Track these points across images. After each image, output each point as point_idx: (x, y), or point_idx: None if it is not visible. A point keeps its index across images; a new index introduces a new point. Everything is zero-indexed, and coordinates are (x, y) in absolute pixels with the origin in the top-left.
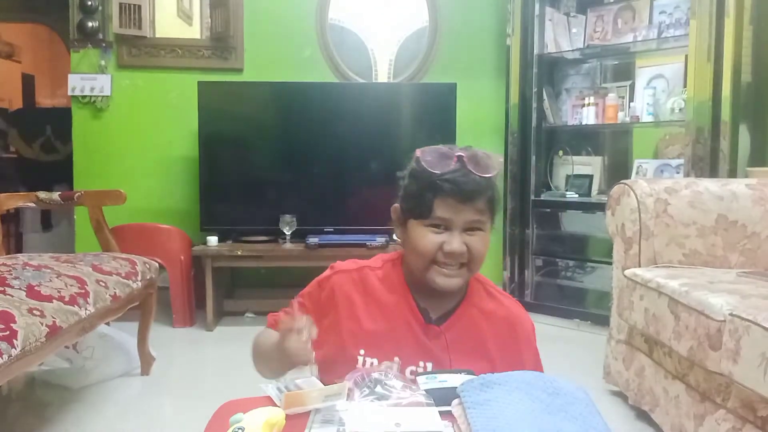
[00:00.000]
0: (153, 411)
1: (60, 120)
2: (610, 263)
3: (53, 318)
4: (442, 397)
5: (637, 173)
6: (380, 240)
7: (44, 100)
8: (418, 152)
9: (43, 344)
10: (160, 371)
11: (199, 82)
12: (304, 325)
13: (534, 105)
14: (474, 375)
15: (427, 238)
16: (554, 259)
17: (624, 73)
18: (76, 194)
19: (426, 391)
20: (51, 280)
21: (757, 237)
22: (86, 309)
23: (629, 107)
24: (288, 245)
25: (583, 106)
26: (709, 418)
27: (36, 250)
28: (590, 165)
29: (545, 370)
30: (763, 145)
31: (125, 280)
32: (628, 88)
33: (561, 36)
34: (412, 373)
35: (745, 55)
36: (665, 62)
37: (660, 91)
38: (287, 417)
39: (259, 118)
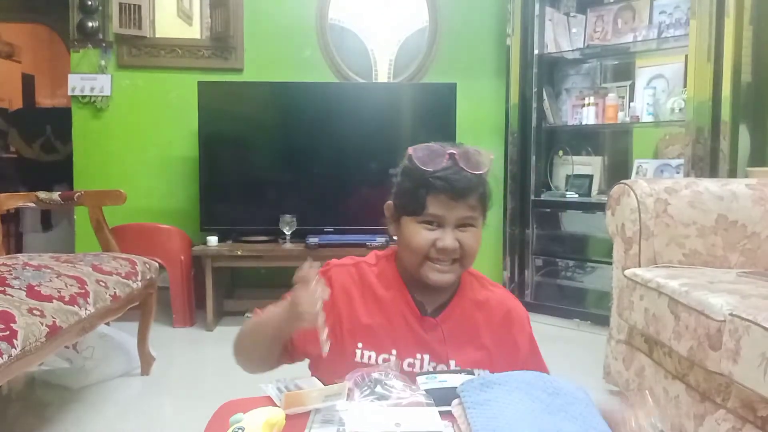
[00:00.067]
0: (153, 411)
1: (60, 120)
2: (610, 263)
3: (53, 318)
4: (442, 397)
5: (637, 173)
6: (380, 240)
7: (44, 100)
8: (410, 150)
9: (43, 344)
10: (160, 371)
11: (199, 82)
12: (316, 277)
13: (534, 105)
14: (474, 375)
15: (420, 234)
16: (554, 259)
17: (624, 73)
18: (76, 194)
19: (426, 391)
20: (51, 280)
21: (757, 237)
22: (86, 309)
23: (629, 107)
24: (288, 245)
25: (583, 106)
26: (709, 418)
27: (36, 250)
28: (590, 165)
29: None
30: (763, 145)
31: (125, 280)
32: (628, 88)
33: (561, 36)
34: (409, 365)
35: (745, 55)
36: (665, 62)
37: (660, 91)
38: (287, 417)
39: (259, 118)
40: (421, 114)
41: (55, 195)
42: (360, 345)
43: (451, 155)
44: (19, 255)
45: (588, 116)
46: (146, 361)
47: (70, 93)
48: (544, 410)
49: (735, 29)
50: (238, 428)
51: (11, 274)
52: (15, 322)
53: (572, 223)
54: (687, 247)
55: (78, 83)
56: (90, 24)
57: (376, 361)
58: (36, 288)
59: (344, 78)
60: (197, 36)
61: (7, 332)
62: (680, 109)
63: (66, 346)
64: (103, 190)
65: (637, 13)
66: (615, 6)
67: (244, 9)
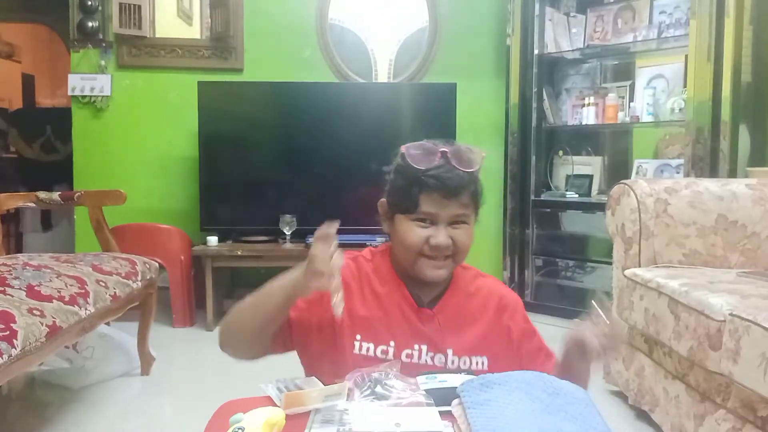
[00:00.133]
0: (153, 411)
1: (60, 120)
2: (610, 263)
3: (53, 318)
4: (442, 397)
5: (637, 173)
6: (380, 240)
7: (44, 100)
8: (403, 148)
9: (43, 344)
10: (160, 371)
11: (199, 82)
12: (334, 235)
13: (534, 105)
14: (474, 375)
15: (414, 232)
16: (554, 259)
17: (624, 73)
18: (76, 194)
19: (426, 391)
20: (51, 280)
21: (757, 237)
22: (86, 309)
23: (629, 107)
24: (288, 245)
25: (583, 106)
26: (709, 418)
27: (36, 250)
28: (590, 165)
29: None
30: (763, 145)
31: (125, 280)
32: (628, 88)
33: (561, 36)
34: (408, 356)
35: (745, 55)
36: (665, 62)
37: (660, 91)
38: (287, 417)
39: (259, 118)
40: (421, 114)
41: (55, 195)
42: (358, 337)
43: (444, 154)
44: (19, 255)
45: (588, 116)
46: (146, 361)
47: (70, 93)
48: (544, 410)
49: (735, 29)
50: (238, 428)
51: (11, 274)
52: (15, 322)
53: (572, 223)
54: (687, 247)
55: (78, 83)
56: (90, 24)
57: (375, 352)
58: (36, 288)
59: (344, 78)
60: (197, 36)
61: (7, 332)
62: (680, 109)
63: (66, 346)
64: (103, 190)
65: (637, 13)
66: (615, 6)
67: (244, 9)
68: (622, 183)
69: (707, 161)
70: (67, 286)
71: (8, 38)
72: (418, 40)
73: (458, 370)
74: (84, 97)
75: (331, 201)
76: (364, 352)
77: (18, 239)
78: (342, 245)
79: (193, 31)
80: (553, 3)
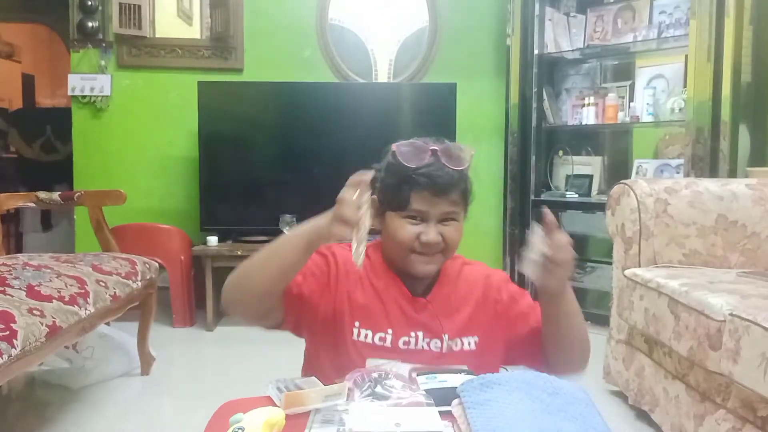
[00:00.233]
0: (153, 411)
1: (60, 120)
2: (610, 263)
3: (53, 318)
4: (442, 397)
5: (637, 173)
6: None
7: (44, 100)
8: (393, 146)
9: (43, 344)
10: (160, 371)
11: (199, 82)
12: (368, 184)
13: (534, 105)
14: (474, 375)
15: (404, 229)
16: None
17: (624, 73)
18: (76, 194)
19: (426, 391)
20: (51, 280)
21: (757, 237)
22: (86, 309)
23: (629, 107)
24: None
25: (583, 106)
26: (709, 418)
27: (36, 250)
28: (590, 165)
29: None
30: (763, 145)
31: (125, 280)
32: (628, 88)
33: (561, 36)
34: (405, 343)
35: (745, 55)
36: (665, 62)
37: (660, 91)
38: (287, 417)
39: (259, 118)
40: (421, 114)
41: (55, 195)
42: (357, 324)
43: (434, 152)
44: (19, 255)
45: (588, 116)
46: (146, 361)
47: (70, 93)
48: (544, 410)
49: (735, 29)
50: (238, 428)
51: (11, 274)
52: (15, 322)
53: (572, 223)
54: (687, 247)
55: (78, 83)
56: (90, 24)
57: (373, 339)
58: (36, 288)
59: (344, 78)
60: (197, 36)
61: (7, 332)
62: (680, 109)
63: (66, 346)
64: (103, 190)
65: (637, 13)
66: (615, 6)
67: (244, 9)
68: (622, 183)
69: (707, 161)
70: (67, 286)
71: (8, 38)
72: (418, 40)
73: (458, 370)
74: (84, 97)
75: (332, 201)
76: (362, 338)
77: (18, 239)
78: (341, 244)
79: (193, 31)
80: (553, 3)
